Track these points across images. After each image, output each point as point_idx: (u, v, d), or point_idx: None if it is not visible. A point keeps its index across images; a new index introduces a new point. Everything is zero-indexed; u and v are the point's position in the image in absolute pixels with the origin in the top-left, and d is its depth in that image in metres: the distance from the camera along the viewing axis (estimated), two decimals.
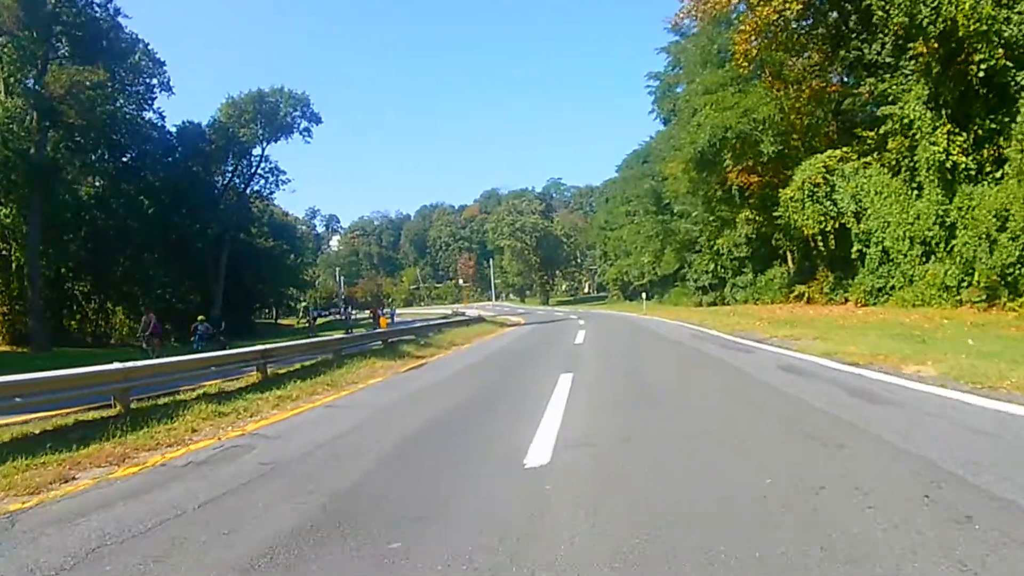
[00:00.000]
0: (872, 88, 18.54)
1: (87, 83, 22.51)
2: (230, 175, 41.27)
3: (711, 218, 29.86)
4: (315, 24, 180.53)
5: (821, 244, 19.20)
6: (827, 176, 19.23)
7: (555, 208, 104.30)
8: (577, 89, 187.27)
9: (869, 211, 18.57)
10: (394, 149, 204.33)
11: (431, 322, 24.70)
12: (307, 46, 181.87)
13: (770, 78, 22.77)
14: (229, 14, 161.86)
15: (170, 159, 37.40)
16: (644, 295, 38.18)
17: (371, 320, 54.32)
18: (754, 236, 27.42)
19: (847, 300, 20.51)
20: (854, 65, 20.32)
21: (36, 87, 23.98)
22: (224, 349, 15.19)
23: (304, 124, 41.32)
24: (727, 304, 33.35)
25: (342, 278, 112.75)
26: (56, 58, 26.04)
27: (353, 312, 56.39)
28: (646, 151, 57.04)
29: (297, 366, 10.94)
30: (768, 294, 27.50)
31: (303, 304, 77.72)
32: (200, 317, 20.31)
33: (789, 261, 27.90)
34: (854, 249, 18.99)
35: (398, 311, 71.65)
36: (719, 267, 34.59)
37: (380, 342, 15.12)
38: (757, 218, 23.70)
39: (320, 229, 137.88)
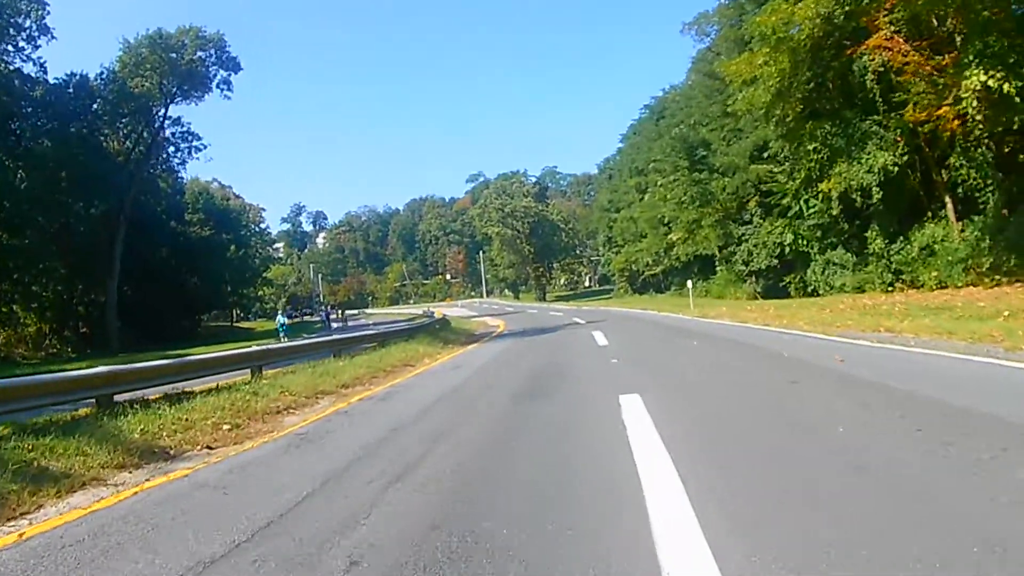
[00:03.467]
0: None
1: None
2: (132, 140, 33.06)
3: (812, 147, 17.53)
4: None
5: None
6: None
7: (551, 198, 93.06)
8: (578, 74, 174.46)
9: None
10: (384, 141, 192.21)
11: (353, 333, 18.59)
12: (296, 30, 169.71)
13: None
14: None
15: (47, 123, 28.67)
16: (690, 283, 25.96)
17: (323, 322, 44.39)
18: (894, 169, 15.45)
19: None
20: None
21: None
22: None
23: (221, 74, 33.06)
24: (817, 295, 21.34)
25: (319, 276, 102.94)
26: None
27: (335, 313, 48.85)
28: (660, 106, 45.69)
29: None
30: (928, 271, 15.44)
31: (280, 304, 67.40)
32: None
33: (950, 213, 15.95)
34: None
35: (371, 311, 61.12)
36: (798, 238, 22.62)
37: None
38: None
39: (307, 227, 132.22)
